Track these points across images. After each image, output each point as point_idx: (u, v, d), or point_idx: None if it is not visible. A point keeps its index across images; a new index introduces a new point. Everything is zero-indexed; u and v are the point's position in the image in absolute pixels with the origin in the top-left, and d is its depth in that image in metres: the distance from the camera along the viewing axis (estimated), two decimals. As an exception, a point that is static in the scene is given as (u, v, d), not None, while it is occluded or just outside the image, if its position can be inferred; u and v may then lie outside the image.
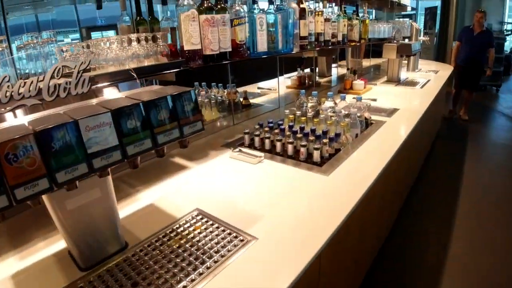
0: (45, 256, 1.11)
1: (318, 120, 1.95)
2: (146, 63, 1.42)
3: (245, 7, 1.82)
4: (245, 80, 3.57)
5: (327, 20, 2.46)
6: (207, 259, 1.04)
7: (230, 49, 1.72)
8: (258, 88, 3.38)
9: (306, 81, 3.49)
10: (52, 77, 0.89)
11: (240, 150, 1.85)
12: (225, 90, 2.70)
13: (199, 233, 1.18)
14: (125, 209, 1.37)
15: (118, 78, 1.23)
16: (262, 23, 1.87)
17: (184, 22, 1.50)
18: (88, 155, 0.83)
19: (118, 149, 0.87)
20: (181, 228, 1.22)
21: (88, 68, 1.49)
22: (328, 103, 2.23)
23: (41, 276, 1.02)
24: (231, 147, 1.94)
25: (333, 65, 4.11)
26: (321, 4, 2.44)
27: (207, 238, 1.15)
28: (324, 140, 1.69)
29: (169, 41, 1.64)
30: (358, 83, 3.09)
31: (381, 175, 1.56)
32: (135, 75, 1.22)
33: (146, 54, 1.43)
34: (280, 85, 3.02)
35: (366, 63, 4.51)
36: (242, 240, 1.12)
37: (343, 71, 4.07)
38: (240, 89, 3.35)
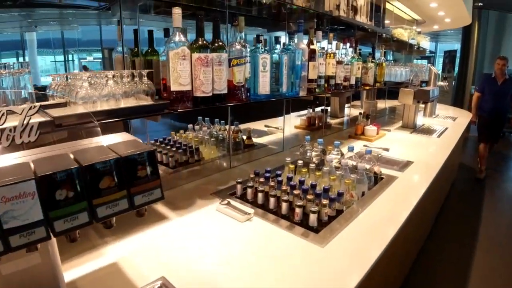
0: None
1: (320, 174, 1.74)
2: (123, 104, 1.26)
3: (248, 46, 1.68)
4: (251, 117, 3.42)
5: (339, 62, 2.30)
6: None
7: (225, 91, 1.55)
8: (265, 126, 3.21)
9: (316, 121, 3.31)
10: None
11: (228, 203, 1.64)
12: (231, 128, 2.54)
13: None
14: (86, 264, 1.21)
15: (74, 121, 1.05)
16: (266, 64, 1.72)
17: (173, 60, 1.34)
18: (4, 231, 0.64)
19: (42, 225, 0.68)
20: None
21: (64, 103, 1.36)
22: (334, 154, 2.02)
23: None
24: (221, 197, 1.74)
25: (347, 105, 3.94)
26: (334, 45, 2.29)
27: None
28: (324, 201, 1.47)
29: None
30: (371, 129, 2.88)
31: (388, 246, 1.33)
32: (94, 120, 1.04)
33: (124, 93, 1.27)
34: (288, 124, 2.85)
35: (381, 105, 4.31)
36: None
37: (357, 111, 3.90)
38: (246, 126, 3.20)
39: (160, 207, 1.66)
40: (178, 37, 1.36)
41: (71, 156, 0.78)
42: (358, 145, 2.67)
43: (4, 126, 0.81)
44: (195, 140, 2.45)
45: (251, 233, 1.43)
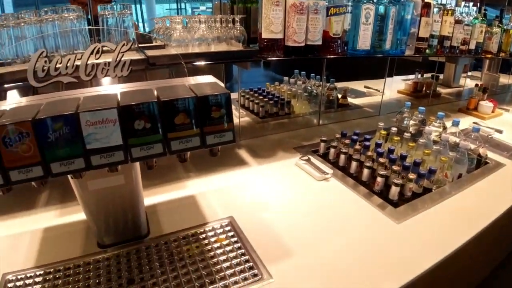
0: (78, 220, 1.14)
1: (413, 145, 1.57)
2: (213, 48, 1.27)
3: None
4: (351, 75, 3.22)
5: (458, 21, 1.95)
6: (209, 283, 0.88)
7: (320, 43, 1.46)
8: (365, 87, 3.00)
9: (424, 89, 2.96)
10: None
11: (309, 159, 1.61)
12: (326, 84, 2.44)
13: (218, 247, 1.04)
14: (167, 194, 1.33)
15: (166, 61, 1.10)
16: (369, 15, 1.55)
17: (266, 5, 1.29)
18: (87, 151, 0.73)
19: (121, 150, 0.75)
20: (204, 235, 1.10)
21: (163, 45, 1.43)
22: (435, 126, 1.80)
23: (65, 239, 1.07)
24: (303, 153, 1.71)
25: (463, 74, 3.41)
26: (453, 2, 1.95)
27: (221, 258, 1.00)
28: (411, 176, 1.34)
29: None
30: (486, 105, 2.45)
31: (470, 240, 1.17)
32: (182, 61, 1.07)
33: (215, 38, 1.28)
34: (390, 88, 2.61)
35: (504, 79, 3.60)
36: (255, 275, 0.94)
37: (474, 84, 3.36)
38: (345, 84, 3.03)
39: (243, 153, 1.72)
40: (275, -18, 1.29)
41: (155, 92, 0.83)
42: (467, 121, 2.32)
43: (100, 61, 0.90)
44: (288, 93, 2.42)
45: (325, 193, 1.39)
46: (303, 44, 1.41)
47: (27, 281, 0.90)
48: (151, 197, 1.30)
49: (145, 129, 0.75)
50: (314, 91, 2.43)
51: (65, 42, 1.22)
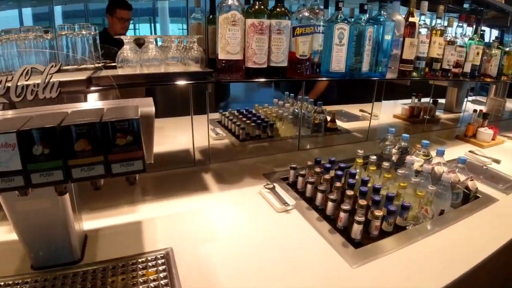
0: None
1: (390, 176, 1.44)
2: (163, 69, 1.19)
3: (323, 13, 1.43)
4: (353, 97, 3.08)
5: (450, 43, 1.82)
6: None
7: (284, 64, 1.36)
8: (360, 110, 2.86)
9: (421, 113, 2.79)
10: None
11: (273, 188, 1.49)
12: (314, 107, 2.33)
13: (144, 282, 0.95)
14: (115, 217, 1.26)
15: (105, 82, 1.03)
16: (342, 35, 1.45)
17: (222, 25, 1.21)
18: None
19: (20, 175, 0.71)
20: (134, 267, 1.01)
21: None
22: (419, 155, 1.65)
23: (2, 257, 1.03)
24: (272, 180, 1.59)
25: (468, 98, 3.22)
26: (445, 21, 1.82)
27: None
28: (377, 212, 1.19)
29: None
30: (485, 132, 2.27)
31: None
32: (114, 83, 0.99)
33: (168, 59, 1.21)
34: (386, 112, 2.46)
35: (510, 104, 3.37)
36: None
37: (480, 108, 3.15)
38: (341, 107, 2.90)
39: (208, 178, 1.63)
40: (232, 1, 1.21)
41: (64, 116, 0.77)
42: (463, 150, 2.14)
43: (29, 82, 0.87)
44: (273, 115, 2.33)
45: (282, 226, 1.27)
46: (265, 66, 1.31)
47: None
48: (98, 220, 1.23)
49: (43, 155, 0.71)
50: (302, 113, 2.33)
51: (23, 62, 1.17)
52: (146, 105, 0.91)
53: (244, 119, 2.21)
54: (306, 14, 1.34)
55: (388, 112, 2.84)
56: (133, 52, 1.19)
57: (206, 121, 1.72)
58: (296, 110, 2.34)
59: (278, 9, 1.29)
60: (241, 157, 1.88)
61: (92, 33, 1.22)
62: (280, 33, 1.29)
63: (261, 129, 2.15)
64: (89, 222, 1.20)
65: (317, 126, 2.34)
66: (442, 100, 3.14)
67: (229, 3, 1.21)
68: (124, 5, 2.28)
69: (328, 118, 2.44)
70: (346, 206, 1.22)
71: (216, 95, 2.73)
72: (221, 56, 1.25)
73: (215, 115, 2.46)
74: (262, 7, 1.25)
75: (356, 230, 1.17)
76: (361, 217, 1.16)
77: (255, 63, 1.29)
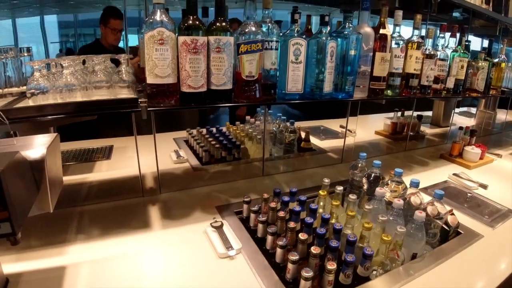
0: None
1: (354, 214, 1.25)
2: (80, 97, 1.00)
3: (275, 27, 1.24)
4: (329, 113, 2.89)
5: (429, 56, 1.63)
6: None
7: (229, 86, 1.17)
8: (341, 126, 2.66)
9: (405, 129, 2.59)
10: None
11: (221, 226, 1.30)
12: (286, 125, 2.14)
13: None
14: (41, 260, 1.10)
15: None
16: (299, 52, 1.26)
17: (148, 45, 1.02)
18: None
19: None
20: None
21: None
22: (392, 184, 1.46)
23: None
24: (224, 214, 1.40)
25: (457, 110, 3.02)
26: (421, 32, 1.63)
27: None
28: (329, 266, 1.00)
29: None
30: (472, 151, 2.07)
31: None
32: (4, 118, 0.81)
33: (80, 84, 1.02)
34: (368, 128, 2.25)
35: (502, 115, 3.14)
36: None
37: (469, 122, 2.95)
38: (319, 123, 2.71)
39: (153, 211, 1.45)
40: (159, 17, 1.02)
41: None
42: (448, 171, 1.95)
43: None
44: (242, 135, 2.14)
45: (220, 276, 1.08)
46: (203, 90, 1.13)
47: None
48: (25, 262, 1.09)
49: None
50: (273, 132, 2.14)
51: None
52: (38, 146, 0.73)
53: (211, 139, 2.03)
54: (253, 28, 1.15)
55: (370, 127, 2.64)
56: (45, 78, 1.00)
57: (171, 140, 1.52)
58: (274, 129, 2.16)
59: (217, 24, 1.11)
60: (197, 184, 1.69)
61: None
62: (220, 52, 1.11)
63: (227, 151, 1.96)
64: (16, 265, 1.06)
65: (289, 146, 2.16)
66: (429, 113, 2.94)
67: (157, 18, 1.02)
68: (118, 14, 2.24)
69: (303, 136, 2.26)
70: (294, 256, 1.02)
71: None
72: (150, 80, 1.06)
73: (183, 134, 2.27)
74: (196, 22, 1.06)
75: (304, 286, 0.97)
76: (308, 273, 0.96)
77: (190, 87, 1.10)
